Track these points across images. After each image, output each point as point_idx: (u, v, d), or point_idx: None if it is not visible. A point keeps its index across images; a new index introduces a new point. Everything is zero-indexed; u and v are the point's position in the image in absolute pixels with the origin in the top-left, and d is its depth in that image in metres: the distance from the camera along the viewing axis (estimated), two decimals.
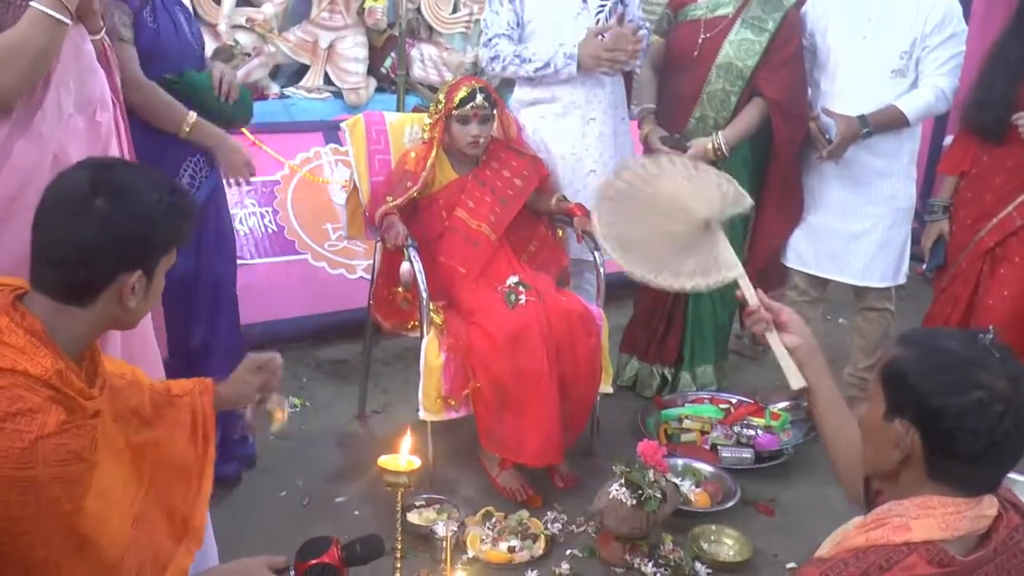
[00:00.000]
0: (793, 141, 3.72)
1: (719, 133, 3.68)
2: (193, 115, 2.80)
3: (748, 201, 2.34)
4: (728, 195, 2.29)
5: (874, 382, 1.59)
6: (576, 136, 3.72)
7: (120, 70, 2.60)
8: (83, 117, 2.32)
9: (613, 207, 2.29)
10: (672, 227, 2.20)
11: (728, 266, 2.15)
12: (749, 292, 2.09)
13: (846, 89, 3.62)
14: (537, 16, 3.64)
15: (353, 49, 5.48)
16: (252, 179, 3.08)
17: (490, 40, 3.68)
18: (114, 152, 2.45)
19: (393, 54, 5.49)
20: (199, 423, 2.02)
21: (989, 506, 1.51)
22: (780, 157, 3.75)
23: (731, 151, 3.69)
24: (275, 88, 5.42)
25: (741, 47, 3.67)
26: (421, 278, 3.21)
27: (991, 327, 1.57)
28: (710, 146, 3.67)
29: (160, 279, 1.75)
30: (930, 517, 1.47)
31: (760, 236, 3.91)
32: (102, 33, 2.40)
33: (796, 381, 1.99)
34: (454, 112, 3.37)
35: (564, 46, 3.57)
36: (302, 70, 5.53)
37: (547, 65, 3.58)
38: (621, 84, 3.85)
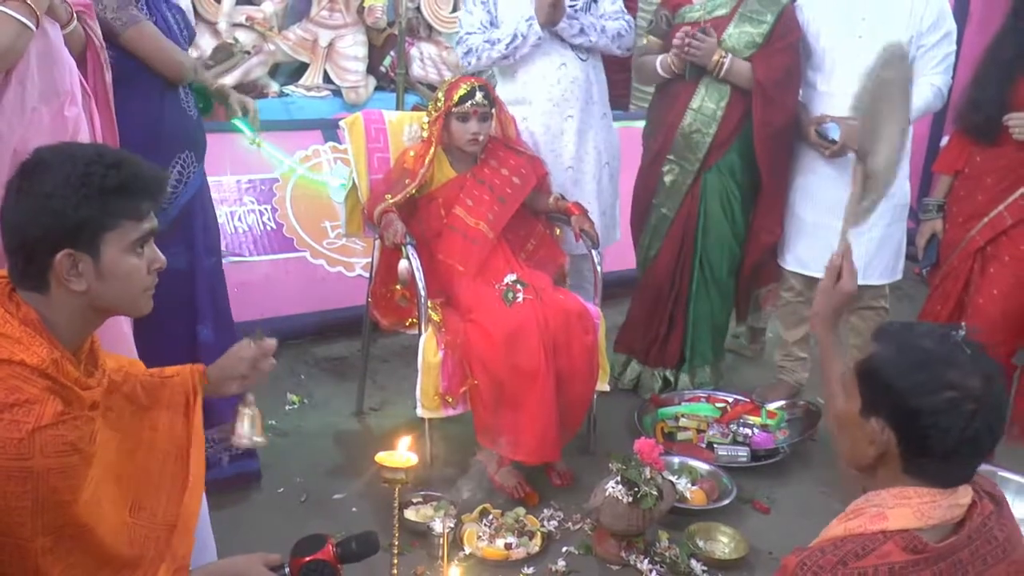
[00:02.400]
0: (768, 124, 3.74)
1: (729, 55, 3.69)
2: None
3: None
4: None
5: (851, 377, 1.61)
6: (554, 133, 3.75)
7: (161, 45, 2.74)
8: (48, 110, 2.30)
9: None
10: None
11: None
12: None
13: (841, 89, 3.62)
14: (509, 14, 3.69)
15: (353, 47, 5.50)
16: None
17: (462, 38, 3.75)
18: None
19: (392, 53, 5.50)
20: (188, 402, 2.00)
21: (964, 495, 1.53)
22: (757, 139, 3.78)
23: (726, 73, 3.70)
24: (274, 86, 5.43)
25: (741, 39, 3.70)
26: (419, 275, 3.22)
27: (963, 323, 1.59)
28: (716, 57, 3.68)
29: (118, 259, 1.66)
30: (906, 506, 1.50)
31: (755, 231, 3.93)
32: (73, 24, 2.40)
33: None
34: (453, 110, 3.38)
35: (524, 15, 3.63)
36: (301, 68, 5.55)
37: (514, 37, 3.64)
38: (602, 80, 3.88)
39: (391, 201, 3.34)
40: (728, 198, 3.86)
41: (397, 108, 4.87)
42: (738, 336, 4.67)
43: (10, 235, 1.64)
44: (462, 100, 3.36)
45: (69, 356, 1.65)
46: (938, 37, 3.60)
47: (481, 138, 3.43)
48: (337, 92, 5.53)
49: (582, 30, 3.68)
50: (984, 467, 1.72)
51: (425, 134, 3.47)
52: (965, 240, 3.43)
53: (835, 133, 3.63)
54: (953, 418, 1.45)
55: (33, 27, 2.17)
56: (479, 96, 3.37)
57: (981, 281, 3.40)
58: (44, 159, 1.65)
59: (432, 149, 3.41)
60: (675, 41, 3.71)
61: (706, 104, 3.77)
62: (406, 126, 3.62)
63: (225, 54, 5.22)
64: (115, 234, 1.65)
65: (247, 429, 2.12)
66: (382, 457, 2.57)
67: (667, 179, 3.89)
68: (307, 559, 1.87)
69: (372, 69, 5.66)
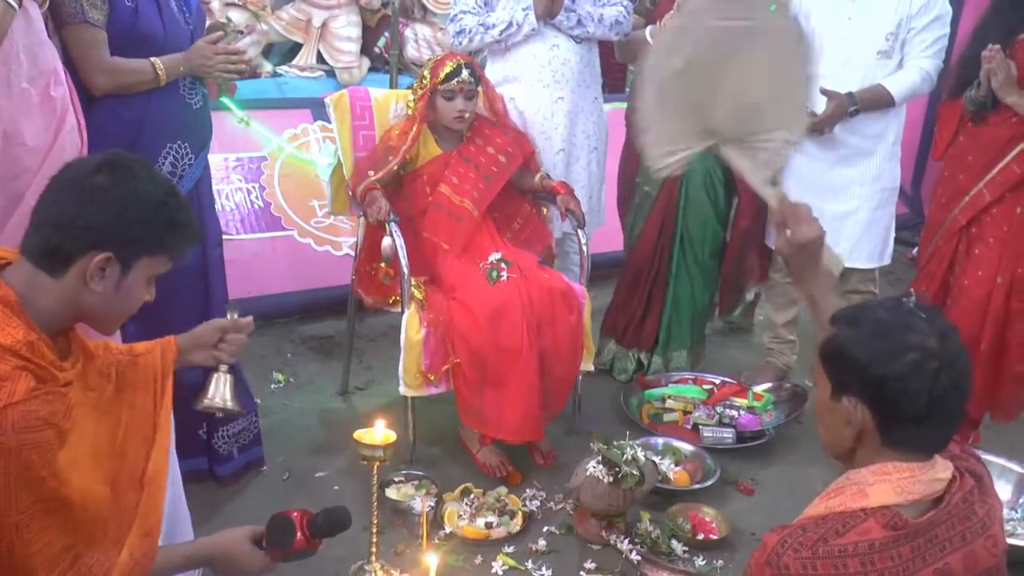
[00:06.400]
0: None
1: None
2: (159, 62, 2.70)
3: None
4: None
5: (816, 365, 1.62)
6: (544, 115, 3.72)
7: (87, 55, 2.59)
8: (36, 90, 2.31)
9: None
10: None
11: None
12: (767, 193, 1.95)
13: (832, 71, 3.61)
14: None
15: (346, 28, 5.47)
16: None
17: (455, 16, 3.71)
18: (69, 126, 2.43)
19: (387, 34, 5.47)
20: (157, 379, 2.01)
21: (943, 469, 1.54)
22: None
23: None
24: (268, 67, 5.40)
25: None
26: (402, 253, 3.20)
27: (913, 290, 1.60)
28: None
29: (137, 282, 1.74)
30: (886, 483, 1.50)
31: (739, 225, 3.91)
32: (46, 5, 2.41)
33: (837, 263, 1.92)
34: (439, 87, 3.36)
35: (521, 2, 3.60)
36: (295, 49, 5.52)
37: (510, 25, 3.62)
38: (595, 63, 3.84)
39: (374, 178, 3.33)
40: (711, 178, 3.84)
41: (391, 89, 4.84)
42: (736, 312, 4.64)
43: (60, 212, 1.67)
44: (448, 78, 3.34)
45: (46, 339, 1.65)
46: (928, 20, 3.57)
47: (467, 116, 3.41)
48: (331, 73, 5.49)
49: (579, 21, 3.66)
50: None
51: (410, 111, 3.45)
52: (948, 220, 3.42)
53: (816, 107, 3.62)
54: (920, 380, 1.47)
55: (16, 6, 2.18)
56: (465, 74, 3.35)
57: (967, 263, 3.39)
58: (132, 168, 1.73)
59: (416, 126, 3.39)
60: None
61: None
62: (392, 104, 3.60)
63: (218, 32, 5.19)
64: (151, 261, 1.75)
65: (219, 391, 2.13)
66: (360, 435, 2.58)
67: None
68: (284, 552, 1.88)
69: (366, 50, 5.62)
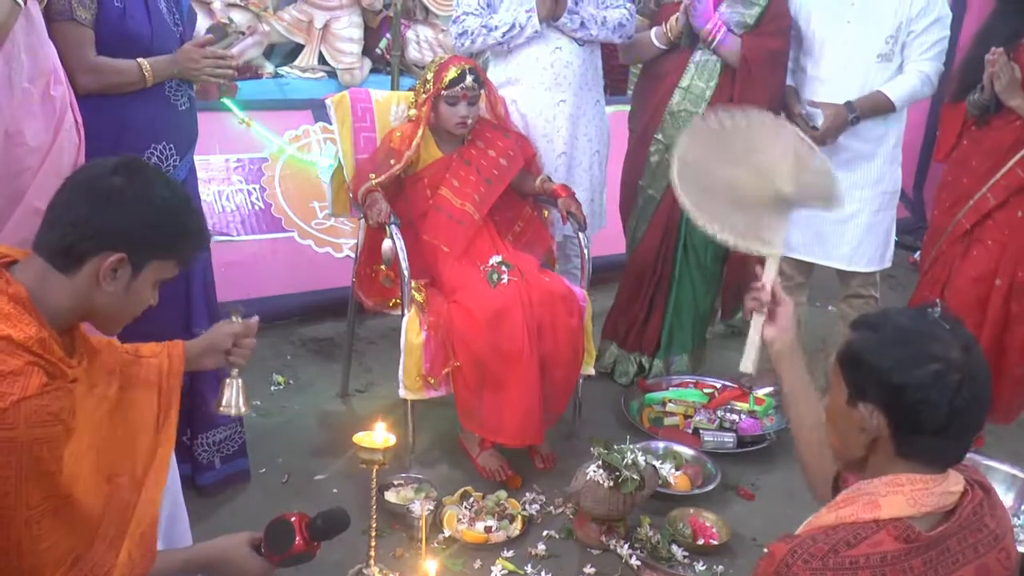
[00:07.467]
0: (745, 102, 3.60)
1: (724, 26, 3.65)
2: (146, 63, 2.67)
3: (833, 192, 2.23)
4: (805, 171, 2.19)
5: (833, 369, 1.61)
6: (546, 118, 3.72)
7: (72, 53, 2.56)
8: (37, 90, 2.31)
9: (703, 141, 2.22)
10: (748, 184, 2.13)
11: (770, 244, 2.11)
12: (769, 273, 2.08)
13: (831, 74, 3.62)
14: None
15: (348, 29, 5.46)
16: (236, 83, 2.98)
17: (458, 18, 3.71)
18: (68, 125, 2.42)
19: (388, 35, 5.47)
20: (164, 380, 2.03)
21: (955, 483, 1.53)
22: None
23: (718, 45, 3.66)
24: (269, 67, 5.40)
25: (732, 19, 3.66)
26: (403, 255, 3.20)
27: (938, 301, 1.59)
28: (710, 25, 3.63)
29: (146, 284, 1.77)
30: (898, 494, 1.49)
31: None
32: (44, 3, 2.41)
33: (748, 365, 2.04)
34: (443, 92, 3.34)
35: (524, 4, 3.60)
36: (297, 49, 5.51)
37: (512, 27, 3.61)
38: (597, 66, 3.83)
39: (375, 181, 3.32)
40: None
41: (392, 90, 4.84)
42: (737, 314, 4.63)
43: (76, 211, 1.70)
44: (452, 83, 3.33)
45: (56, 336, 1.68)
46: (928, 22, 3.57)
47: (469, 121, 3.40)
48: (332, 74, 5.49)
49: (583, 24, 3.65)
50: (971, 456, 1.71)
51: (412, 114, 3.44)
52: (952, 224, 3.42)
53: (818, 120, 3.60)
54: (941, 391, 1.45)
55: (22, 4, 2.18)
56: (469, 80, 3.34)
57: (962, 264, 3.40)
58: (147, 173, 1.79)
59: (420, 130, 3.38)
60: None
61: (695, 83, 3.74)
62: (393, 105, 3.59)
63: (220, 33, 5.17)
64: (161, 264, 1.79)
65: (233, 398, 2.16)
66: (360, 438, 2.57)
67: (653, 159, 3.85)
68: (286, 555, 1.89)
69: (368, 51, 5.62)
